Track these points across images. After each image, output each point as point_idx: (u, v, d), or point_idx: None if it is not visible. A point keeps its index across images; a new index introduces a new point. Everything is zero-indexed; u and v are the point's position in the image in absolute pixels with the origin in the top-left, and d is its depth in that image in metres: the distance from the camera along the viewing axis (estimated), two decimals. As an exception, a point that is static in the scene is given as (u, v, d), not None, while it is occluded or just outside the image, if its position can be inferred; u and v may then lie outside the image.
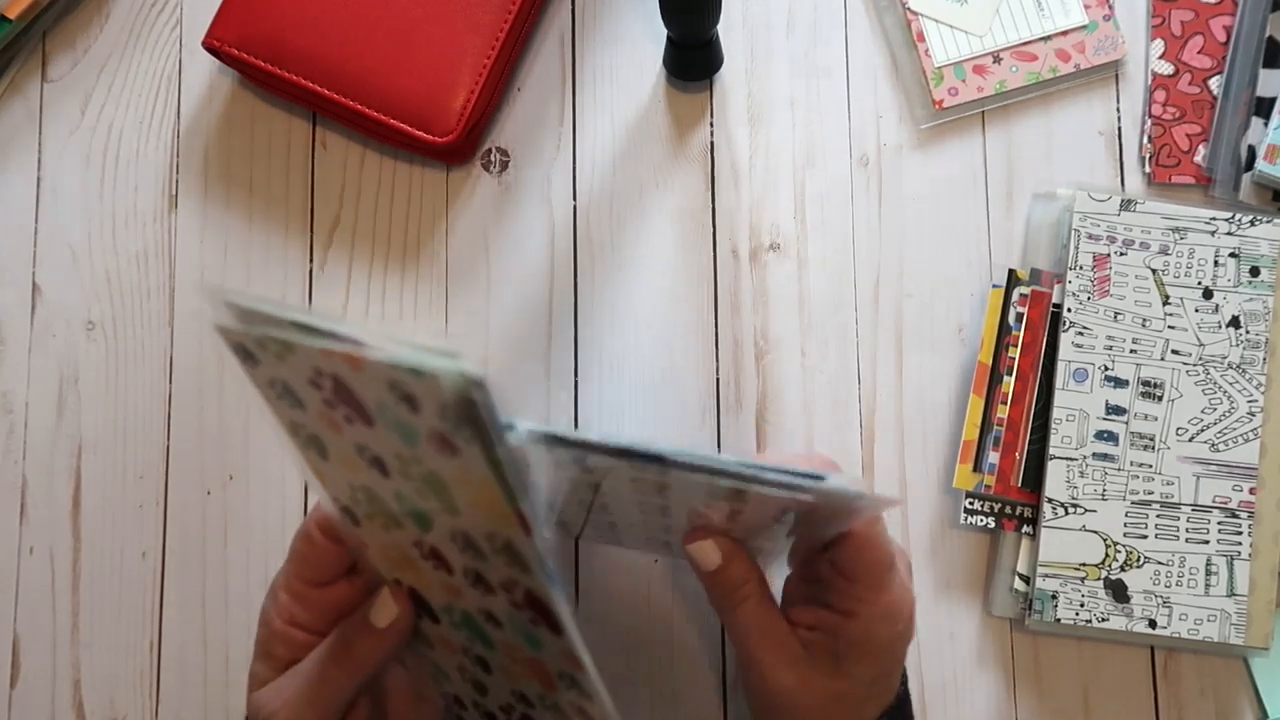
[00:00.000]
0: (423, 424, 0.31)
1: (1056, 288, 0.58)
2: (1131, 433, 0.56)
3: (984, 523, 0.57)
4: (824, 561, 0.45)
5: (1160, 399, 0.57)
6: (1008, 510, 0.57)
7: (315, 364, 0.32)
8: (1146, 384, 0.57)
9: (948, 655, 0.58)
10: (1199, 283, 0.58)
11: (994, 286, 0.59)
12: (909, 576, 0.46)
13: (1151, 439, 0.56)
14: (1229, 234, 0.58)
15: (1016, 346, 0.58)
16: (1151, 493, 0.56)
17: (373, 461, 0.34)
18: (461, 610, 0.39)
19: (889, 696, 0.46)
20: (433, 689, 0.45)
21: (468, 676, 0.43)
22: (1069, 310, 0.57)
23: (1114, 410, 0.57)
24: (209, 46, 0.60)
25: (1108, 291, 0.57)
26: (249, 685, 0.43)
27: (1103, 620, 0.55)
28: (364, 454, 0.34)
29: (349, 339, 0.31)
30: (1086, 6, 0.62)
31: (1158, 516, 0.56)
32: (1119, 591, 0.56)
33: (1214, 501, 0.56)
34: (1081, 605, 0.55)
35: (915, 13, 0.62)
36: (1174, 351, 0.57)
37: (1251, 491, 0.56)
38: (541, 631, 0.37)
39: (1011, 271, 0.59)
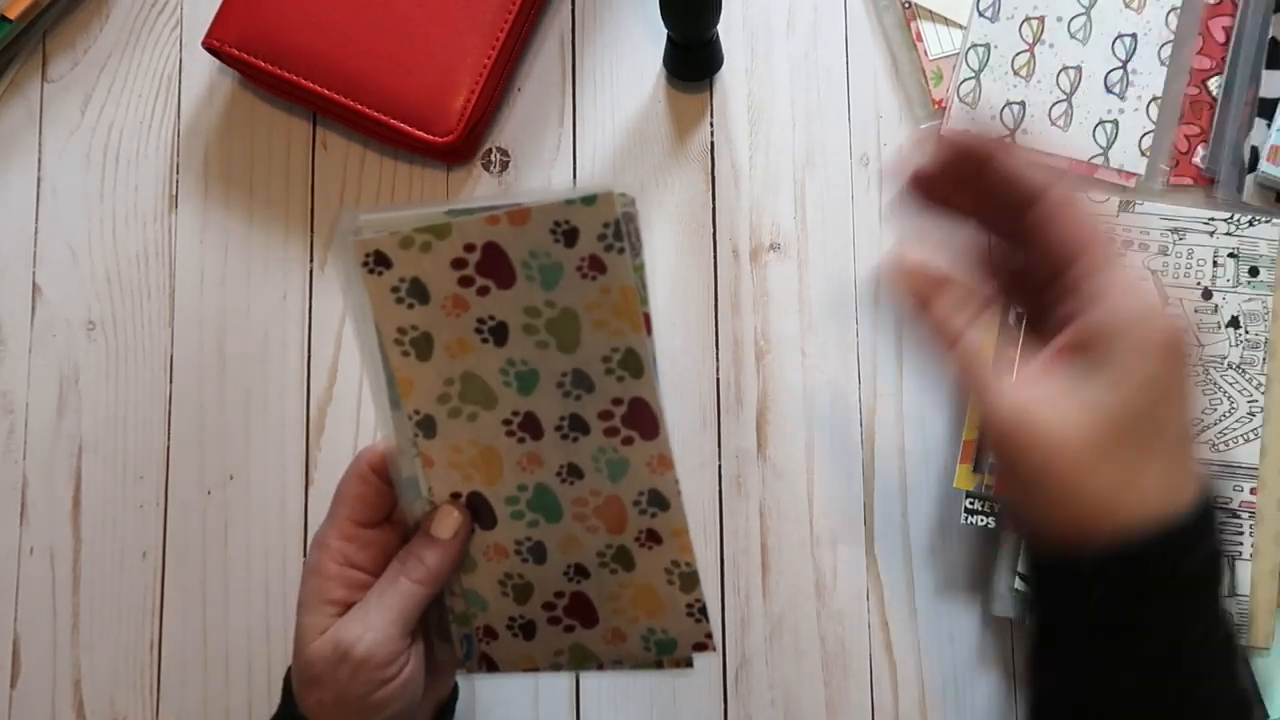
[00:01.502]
0: (575, 256, 0.39)
1: (1056, 288, 0.58)
2: (1131, 433, 0.56)
3: (984, 523, 0.57)
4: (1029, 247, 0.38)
5: (1160, 399, 0.57)
6: (1008, 510, 0.57)
7: (469, 239, 0.39)
8: (1146, 384, 0.57)
9: (948, 655, 0.58)
10: (1198, 283, 0.57)
11: (994, 287, 0.59)
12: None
13: (1151, 439, 0.56)
14: (1228, 234, 0.58)
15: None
16: (1151, 493, 0.56)
17: (492, 332, 0.40)
18: (535, 485, 0.43)
19: (1184, 455, 0.35)
20: (448, 650, 0.46)
21: (509, 586, 0.45)
22: (1069, 310, 0.57)
23: (1114, 410, 0.57)
24: (209, 46, 0.60)
25: (1108, 292, 0.57)
26: (300, 640, 0.43)
27: (1103, 620, 0.55)
28: (482, 329, 0.40)
29: (509, 204, 0.38)
30: (1086, 7, 0.62)
31: (1158, 517, 0.56)
32: (1119, 592, 0.56)
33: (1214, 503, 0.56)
34: (1081, 605, 0.55)
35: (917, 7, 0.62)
36: (1174, 352, 0.57)
37: (1252, 492, 0.56)
38: (633, 450, 0.42)
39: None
